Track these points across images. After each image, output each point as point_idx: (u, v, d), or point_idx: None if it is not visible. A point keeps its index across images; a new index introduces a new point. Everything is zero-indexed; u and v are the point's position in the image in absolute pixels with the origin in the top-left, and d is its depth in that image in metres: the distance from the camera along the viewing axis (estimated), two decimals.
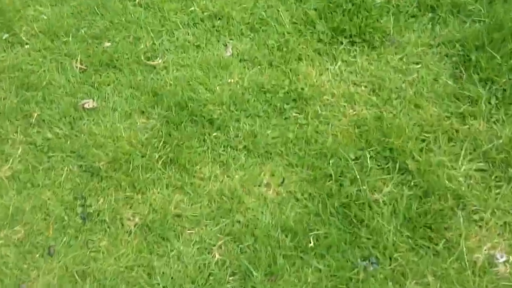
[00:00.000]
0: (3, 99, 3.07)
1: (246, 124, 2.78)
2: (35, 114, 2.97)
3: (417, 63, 2.92)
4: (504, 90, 2.73)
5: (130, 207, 2.58)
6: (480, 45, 2.88)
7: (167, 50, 3.12)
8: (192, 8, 3.24)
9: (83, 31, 3.27)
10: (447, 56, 2.92)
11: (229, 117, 2.80)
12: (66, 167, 2.75)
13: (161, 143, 2.75)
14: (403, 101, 2.79)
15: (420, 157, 2.54)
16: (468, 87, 2.76)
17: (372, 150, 2.60)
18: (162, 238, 2.46)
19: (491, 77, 2.77)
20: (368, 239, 2.36)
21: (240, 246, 2.39)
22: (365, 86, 2.88)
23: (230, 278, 2.31)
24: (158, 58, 3.08)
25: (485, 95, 2.71)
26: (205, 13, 3.21)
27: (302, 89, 2.87)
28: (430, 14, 3.08)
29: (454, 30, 2.99)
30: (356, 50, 3.00)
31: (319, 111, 2.79)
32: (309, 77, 2.91)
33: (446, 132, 2.62)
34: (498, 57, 2.81)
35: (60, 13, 3.39)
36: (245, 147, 2.70)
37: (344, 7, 3.10)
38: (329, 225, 2.40)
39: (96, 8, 3.36)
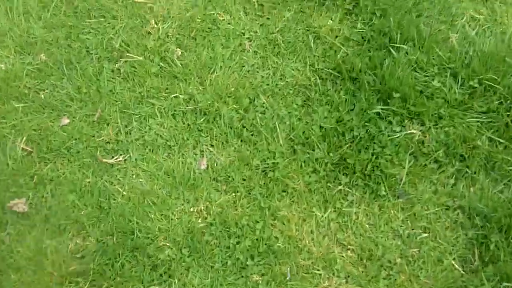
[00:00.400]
0: None
1: (195, 277, 2.28)
2: None
3: (425, 230, 2.39)
4: None
5: None
6: (505, 228, 2.33)
7: (133, 141, 2.55)
8: (176, 95, 2.64)
9: (42, 96, 2.66)
10: (462, 228, 2.39)
11: (177, 263, 2.31)
12: None
13: (87, 284, 2.26)
14: (392, 284, 2.28)
15: None
16: (476, 284, 2.24)
17: None
18: None
19: (507, 274, 2.24)
20: None
21: None
22: (353, 250, 2.36)
23: None
24: (119, 155, 2.53)
25: None
26: (189, 106, 2.61)
27: (276, 238, 2.36)
28: (457, 165, 2.49)
29: (481, 193, 2.43)
30: (354, 196, 2.46)
31: (288, 276, 2.29)
32: (289, 223, 2.39)
33: None
34: None
35: (22, 65, 2.73)
36: None
37: (355, 134, 2.52)
38: None
39: (65, 67, 2.71)
